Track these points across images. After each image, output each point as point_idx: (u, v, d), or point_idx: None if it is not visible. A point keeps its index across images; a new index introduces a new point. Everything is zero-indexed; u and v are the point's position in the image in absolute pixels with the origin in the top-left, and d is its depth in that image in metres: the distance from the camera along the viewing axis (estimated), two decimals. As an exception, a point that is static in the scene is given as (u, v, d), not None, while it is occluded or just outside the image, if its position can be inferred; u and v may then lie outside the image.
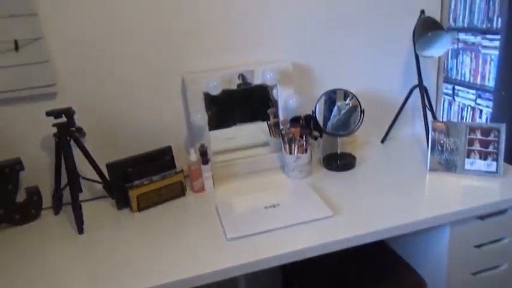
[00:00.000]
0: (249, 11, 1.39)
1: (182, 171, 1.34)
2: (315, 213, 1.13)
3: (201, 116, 1.31)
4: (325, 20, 1.47)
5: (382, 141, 1.64)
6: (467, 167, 1.31)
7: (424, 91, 1.49)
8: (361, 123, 1.39)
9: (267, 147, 1.54)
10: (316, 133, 1.41)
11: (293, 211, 1.16)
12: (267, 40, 1.44)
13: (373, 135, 1.66)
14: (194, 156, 1.35)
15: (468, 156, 1.30)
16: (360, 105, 1.40)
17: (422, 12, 1.44)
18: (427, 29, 1.31)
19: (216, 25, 1.38)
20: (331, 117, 1.43)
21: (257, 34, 1.42)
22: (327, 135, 1.44)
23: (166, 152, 1.36)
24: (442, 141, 1.33)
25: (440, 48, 1.37)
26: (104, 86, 1.34)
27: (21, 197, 1.29)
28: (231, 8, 1.37)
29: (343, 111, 1.41)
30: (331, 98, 1.42)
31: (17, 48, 1.21)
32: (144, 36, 1.33)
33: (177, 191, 1.34)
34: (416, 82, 1.52)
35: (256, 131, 1.53)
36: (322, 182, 1.35)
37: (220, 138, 1.47)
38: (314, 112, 1.42)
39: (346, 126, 1.42)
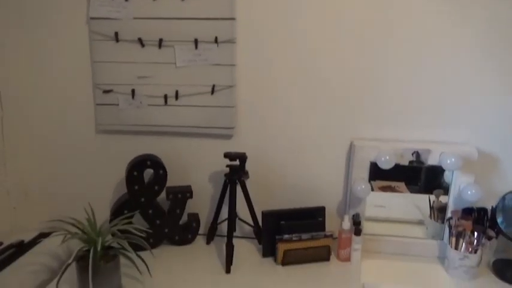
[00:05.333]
0: (433, 84, 1.30)
1: (332, 235, 1.31)
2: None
3: (364, 187, 1.26)
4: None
5: None
6: None
7: None
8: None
9: (422, 229, 1.40)
10: (491, 233, 1.22)
11: (455, 324, 1.01)
12: (451, 118, 1.32)
13: None
14: (347, 224, 1.30)
15: None
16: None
17: None
18: None
19: (396, 95, 1.32)
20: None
21: (439, 109, 1.32)
22: (506, 238, 1.24)
23: (320, 212, 1.35)
24: None
25: None
26: (274, 138, 1.41)
27: (182, 220, 1.42)
28: (414, 80, 1.30)
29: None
30: (518, 197, 1.22)
31: (213, 92, 1.36)
32: (320, 98, 1.36)
33: (323, 255, 1.31)
34: None
35: (409, 204, 1.41)
36: (491, 293, 1.16)
37: (368, 203, 1.38)
38: (494, 209, 1.24)
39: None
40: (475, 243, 1.20)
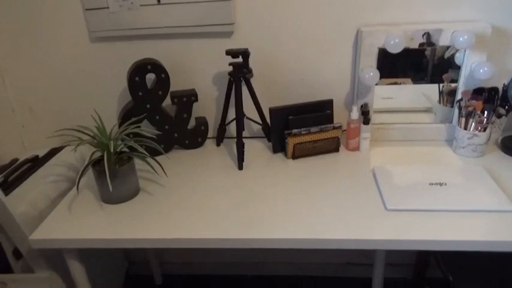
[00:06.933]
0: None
1: (340, 127, 1.31)
2: (490, 203, 1.01)
3: (373, 75, 1.23)
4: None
5: None
6: None
7: None
8: None
9: (430, 116, 1.40)
10: (502, 111, 1.21)
11: (463, 195, 1.05)
12: (464, -7, 1.23)
13: None
14: (356, 114, 1.29)
15: None
16: None
17: None
18: None
19: (407, -28, 1.22)
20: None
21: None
22: (515, 115, 1.23)
23: (328, 105, 1.33)
24: None
25: None
26: (276, 32, 1.34)
27: (190, 125, 1.42)
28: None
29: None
30: (532, 72, 1.19)
31: (207, -16, 1.26)
32: (326, -20, 1.26)
33: (332, 146, 1.33)
34: None
35: (417, 94, 1.39)
36: (498, 167, 1.18)
37: (375, 96, 1.36)
38: (506, 87, 1.22)
39: (543, 108, 1.19)
40: (484, 121, 1.20)
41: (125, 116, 1.32)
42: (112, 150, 1.07)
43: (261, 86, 1.42)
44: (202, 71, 1.42)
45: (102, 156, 1.09)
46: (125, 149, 1.18)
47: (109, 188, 1.07)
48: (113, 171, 1.09)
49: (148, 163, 1.15)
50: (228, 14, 1.30)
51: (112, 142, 1.08)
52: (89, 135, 1.13)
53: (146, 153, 1.11)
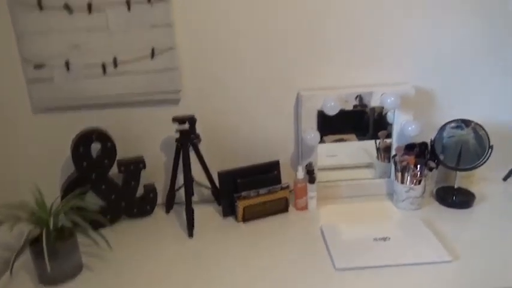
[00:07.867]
0: (370, 30, 1.34)
1: (288, 187, 1.35)
2: (430, 255, 1.06)
3: (313, 136, 1.30)
4: (460, 44, 1.36)
5: (505, 178, 1.48)
6: None
7: None
8: (487, 160, 1.27)
9: (372, 171, 1.48)
10: (432, 164, 1.31)
11: (406, 249, 1.09)
12: (388, 60, 1.38)
13: (494, 171, 1.50)
14: (301, 173, 1.34)
15: None
16: (489, 140, 1.27)
17: None
18: None
19: (335, 43, 1.35)
20: (451, 148, 1.32)
21: (377, 54, 1.37)
22: (445, 167, 1.34)
23: (274, 166, 1.38)
24: None
25: None
26: (222, 97, 1.39)
27: (138, 192, 1.39)
28: (351, 26, 1.33)
29: (466, 144, 1.30)
30: (454, 128, 1.32)
31: (153, 56, 1.31)
32: (263, 53, 1.35)
33: (281, 207, 1.35)
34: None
35: (358, 150, 1.48)
36: (435, 218, 1.26)
37: (320, 154, 1.43)
38: (433, 142, 1.33)
39: (467, 159, 1.31)
40: (418, 175, 1.29)
41: (68, 188, 1.27)
42: (52, 226, 1.01)
43: (209, 150, 1.44)
44: (150, 137, 1.42)
45: (41, 233, 1.03)
46: (68, 223, 1.12)
47: (47, 268, 1.00)
48: (52, 249, 1.02)
49: (91, 238, 1.10)
50: (174, 82, 1.34)
51: (52, 218, 1.03)
52: (27, 211, 1.07)
53: (88, 226, 1.07)
